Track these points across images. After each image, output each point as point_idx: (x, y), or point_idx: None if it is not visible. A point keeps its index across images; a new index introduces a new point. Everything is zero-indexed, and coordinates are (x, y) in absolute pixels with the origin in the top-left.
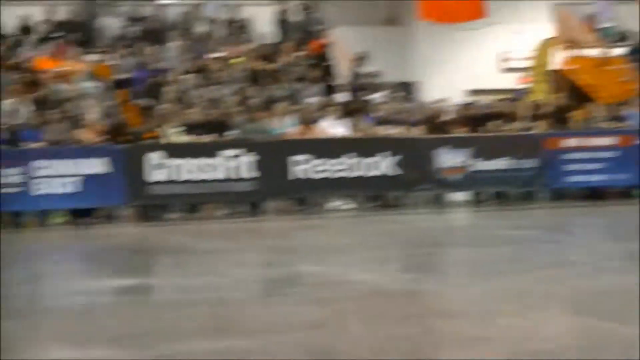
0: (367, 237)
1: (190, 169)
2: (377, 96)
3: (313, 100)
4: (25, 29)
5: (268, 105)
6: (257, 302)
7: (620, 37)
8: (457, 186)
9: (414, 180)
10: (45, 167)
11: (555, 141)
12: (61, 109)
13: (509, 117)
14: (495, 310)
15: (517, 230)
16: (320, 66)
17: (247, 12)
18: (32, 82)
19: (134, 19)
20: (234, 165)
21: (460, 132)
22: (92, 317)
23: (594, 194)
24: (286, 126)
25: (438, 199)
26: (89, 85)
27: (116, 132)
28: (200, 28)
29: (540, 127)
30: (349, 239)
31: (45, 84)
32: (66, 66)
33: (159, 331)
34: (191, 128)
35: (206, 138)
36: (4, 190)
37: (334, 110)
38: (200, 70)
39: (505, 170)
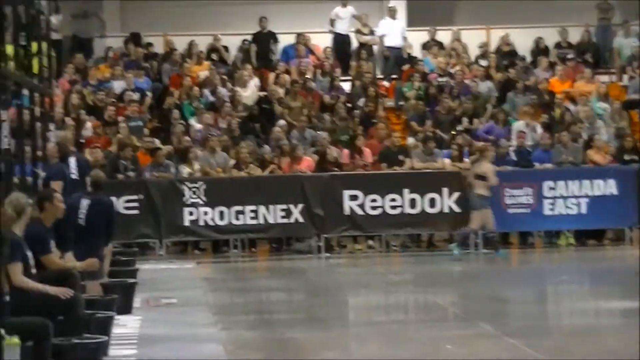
0: None
1: None
2: None
3: None
4: (539, 51)
5: None
6: None
7: None
8: None
9: None
10: (554, 188)
11: None
12: (572, 130)
13: None
14: None
15: None
16: None
17: None
18: (544, 104)
19: None
20: None
21: None
22: (595, 338)
23: None
24: None
25: None
26: (600, 106)
27: (626, 153)
28: None
29: None
30: None
31: (557, 105)
32: (578, 87)
33: None
34: None
35: None
36: (512, 211)
37: None
38: None
39: None
